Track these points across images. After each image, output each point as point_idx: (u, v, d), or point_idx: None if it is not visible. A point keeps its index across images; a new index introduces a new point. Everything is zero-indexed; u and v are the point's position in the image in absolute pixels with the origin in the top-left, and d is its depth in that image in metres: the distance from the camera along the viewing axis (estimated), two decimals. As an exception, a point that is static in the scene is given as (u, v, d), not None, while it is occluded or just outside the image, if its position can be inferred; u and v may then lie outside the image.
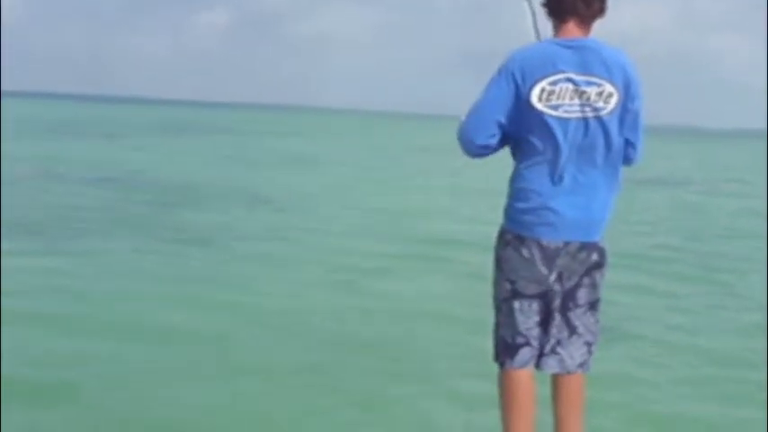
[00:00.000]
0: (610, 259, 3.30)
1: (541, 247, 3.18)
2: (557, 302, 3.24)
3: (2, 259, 7.83)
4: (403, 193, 17.35)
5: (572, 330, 3.27)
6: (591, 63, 3.14)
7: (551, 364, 3.29)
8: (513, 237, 3.23)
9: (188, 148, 30.58)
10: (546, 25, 3.35)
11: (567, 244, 3.18)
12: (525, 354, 3.27)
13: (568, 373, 3.30)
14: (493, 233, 3.35)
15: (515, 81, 3.14)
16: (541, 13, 3.33)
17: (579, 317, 3.27)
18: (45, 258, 8.63)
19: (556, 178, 3.16)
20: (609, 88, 3.14)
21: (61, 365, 5.22)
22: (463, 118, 3.25)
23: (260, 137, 41.78)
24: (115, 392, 4.80)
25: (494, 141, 3.24)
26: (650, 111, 3.37)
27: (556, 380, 3.33)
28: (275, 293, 7.49)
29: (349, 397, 4.83)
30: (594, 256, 3.24)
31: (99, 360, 5.35)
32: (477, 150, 3.28)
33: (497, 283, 3.31)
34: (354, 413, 4.61)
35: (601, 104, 3.15)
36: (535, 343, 3.27)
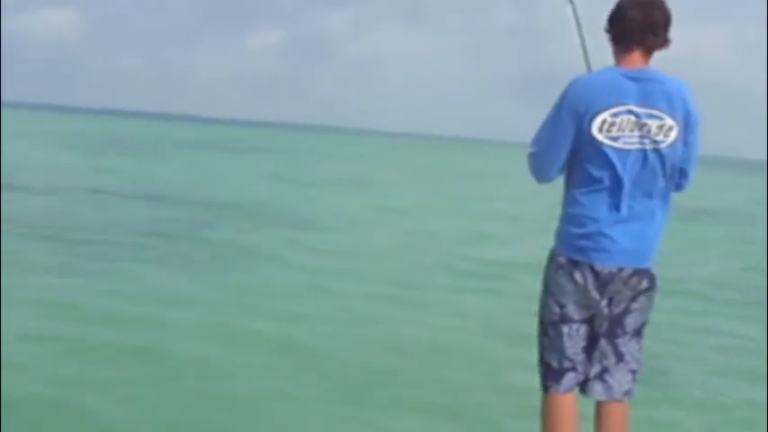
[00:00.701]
0: (659, 284, 3.32)
1: (595, 273, 3.20)
2: (604, 327, 3.25)
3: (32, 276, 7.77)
4: (447, 217, 17.26)
5: (619, 358, 3.28)
6: (653, 96, 3.16)
7: (598, 391, 3.29)
8: (566, 261, 3.24)
9: (236, 166, 30.80)
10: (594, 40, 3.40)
11: (620, 270, 3.21)
12: (571, 379, 3.28)
13: (614, 400, 3.29)
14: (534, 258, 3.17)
15: (577, 110, 3.17)
16: (598, 35, 3.37)
17: (626, 344, 3.28)
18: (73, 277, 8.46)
19: (612, 206, 3.19)
20: (669, 122, 3.17)
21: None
22: (530, 149, 3.31)
23: (308, 157, 42.10)
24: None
25: (563, 171, 3.32)
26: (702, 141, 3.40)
27: (600, 407, 3.32)
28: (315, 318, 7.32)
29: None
30: (645, 282, 3.26)
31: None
32: (548, 181, 3.37)
33: (546, 307, 3.31)
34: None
35: (660, 137, 3.18)
36: (580, 368, 3.28)
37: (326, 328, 6.89)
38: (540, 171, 3.32)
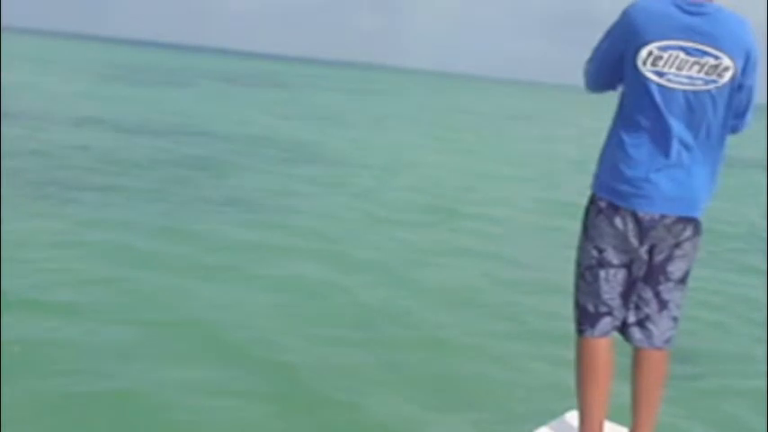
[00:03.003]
0: (704, 233, 3.18)
1: (636, 219, 3.09)
2: (642, 272, 3.17)
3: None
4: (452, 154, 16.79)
5: (662, 305, 3.22)
6: (711, 32, 2.97)
7: (638, 338, 3.23)
8: (606, 205, 3.12)
9: (256, 100, 30.15)
10: None
11: (663, 217, 3.09)
12: (607, 323, 3.22)
13: (654, 347, 3.24)
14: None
15: (626, 38, 3.02)
16: None
17: (670, 291, 3.20)
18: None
19: (656, 149, 3.04)
20: (726, 62, 2.97)
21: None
22: (588, 57, 3.23)
23: (329, 93, 41.63)
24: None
25: (613, 85, 3.18)
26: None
27: (639, 353, 3.25)
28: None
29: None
30: (689, 230, 3.13)
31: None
32: (599, 91, 3.27)
33: (583, 250, 3.24)
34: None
35: (714, 77, 2.98)
36: (617, 313, 3.21)
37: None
38: (589, 83, 3.28)
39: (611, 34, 3.10)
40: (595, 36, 3.19)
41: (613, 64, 3.08)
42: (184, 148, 14.12)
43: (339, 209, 9.92)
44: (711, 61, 2.96)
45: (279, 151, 14.99)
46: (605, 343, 3.22)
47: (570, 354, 3.25)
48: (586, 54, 3.28)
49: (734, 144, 3.45)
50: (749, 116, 3.17)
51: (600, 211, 3.14)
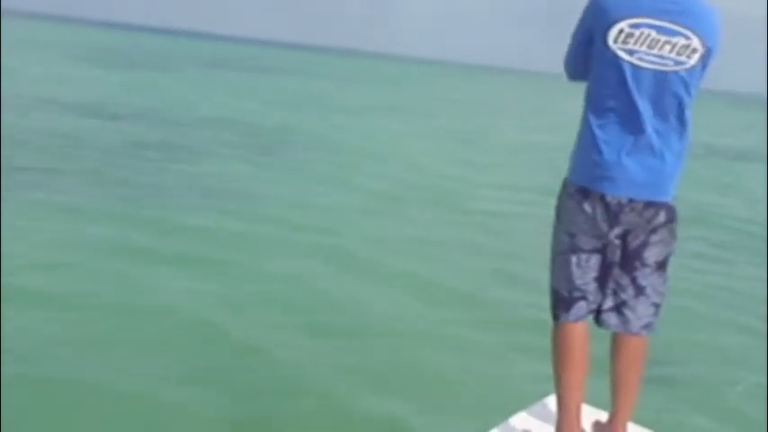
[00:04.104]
0: (680, 216, 3.14)
1: (605, 203, 3.06)
2: (617, 257, 3.13)
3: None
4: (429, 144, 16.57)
5: (639, 291, 3.18)
6: (683, 12, 2.93)
7: (614, 323, 3.21)
8: (576, 189, 3.11)
9: (240, 85, 29.82)
10: None
11: (631, 201, 3.04)
12: (581, 308, 3.20)
13: (631, 333, 3.22)
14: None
15: (597, 15, 2.99)
16: None
17: (647, 276, 3.16)
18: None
19: (625, 133, 3.01)
20: (696, 43, 2.93)
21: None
22: (566, 50, 3.21)
23: (316, 79, 41.34)
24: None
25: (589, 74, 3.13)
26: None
27: (617, 338, 3.25)
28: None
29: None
30: (662, 215, 3.09)
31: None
32: (579, 79, 3.20)
33: (556, 235, 3.22)
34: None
35: (684, 58, 2.94)
36: (591, 297, 3.19)
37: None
38: (567, 72, 3.24)
39: (583, 19, 3.05)
40: None
41: (587, 48, 3.03)
42: (156, 133, 13.86)
43: (312, 195, 9.72)
44: (682, 41, 2.92)
45: (255, 138, 14.77)
46: (581, 327, 3.19)
47: (547, 341, 3.24)
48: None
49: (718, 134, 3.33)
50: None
51: (570, 195, 3.12)
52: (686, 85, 2.97)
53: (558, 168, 3.63)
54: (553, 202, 3.21)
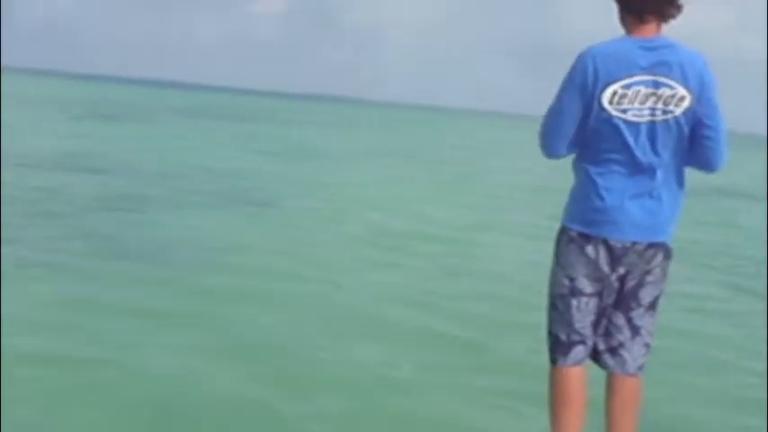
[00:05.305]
0: (675, 256, 3.25)
1: (608, 247, 3.15)
2: (611, 299, 3.21)
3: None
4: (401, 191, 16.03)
5: (635, 332, 3.25)
6: (667, 65, 3.10)
7: (611, 365, 3.26)
8: (577, 234, 3.19)
9: (213, 135, 28.86)
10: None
11: (634, 244, 3.15)
12: (579, 352, 3.25)
13: (628, 374, 3.25)
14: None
15: (588, 81, 3.10)
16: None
17: (641, 317, 3.24)
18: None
19: (625, 180, 3.13)
20: (682, 91, 3.10)
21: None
22: (543, 120, 3.25)
23: (295, 126, 41.10)
24: None
25: (572, 147, 3.23)
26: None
27: (612, 380, 3.28)
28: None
29: None
30: (660, 256, 3.20)
31: None
32: (557, 155, 3.26)
33: (555, 279, 3.27)
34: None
35: (672, 107, 3.10)
36: (589, 342, 3.25)
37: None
38: (549, 145, 3.25)
39: (569, 84, 3.14)
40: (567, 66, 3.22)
41: (577, 113, 3.13)
42: (136, 186, 13.29)
43: (301, 244, 9.27)
44: (668, 92, 3.09)
45: (240, 187, 14.23)
46: (578, 371, 3.25)
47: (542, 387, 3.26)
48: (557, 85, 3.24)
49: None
50: (724, 148, 3.18)
51: (571, 240, 3.21)
52: (678, 132, 3.12)
53: (555, 208, 3.57)
54: (550, 244, 3.28)
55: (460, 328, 6.21)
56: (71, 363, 4.82)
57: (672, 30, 3.24)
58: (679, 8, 3.19)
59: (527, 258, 8.99)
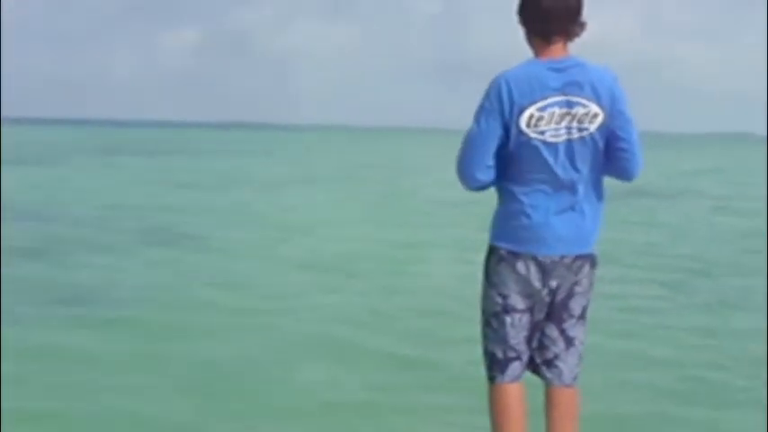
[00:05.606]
0: (600, 264, 3.37)
1: (537, 263, 3.25)
2: (543, 314, 3.31)
3: None
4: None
5: (569, 343, 3.34)
6: (578, 85, 3.19)
7: (549, 377, 3.35)
8: (506, 252, 3.28)
9: (134, 171, 28.39)
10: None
11: (562, 257, 3.26)
12: (516, 368, 3.32)
13: (565, 385, 3.34)
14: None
15: (503, 107, 3.18)
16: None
17: (574, 327, 3.34)
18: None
19: (549, 198, 3.23)
20: (595, 109, 3.20)
21: None
22: (459, 151, 3.30)
23: (213, 157, 40.64)
24: None
25: (492, 174, 3.29)
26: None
27: (551, 392, 3.36)
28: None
29: None
30: (587, 266, 3.32)
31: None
32: (478, 186, 3.33)
33: (487, 298, 3.34)
34: None
35: (586, 124, 3.21)
36: (524, 357, 3.33)
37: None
38: (467, 174, 3.30)
39: (486, 109, 3.21)
40: (487, 80, 3.26)
41: (496, 136, 3.20)
42: (59, 229, 12.97)
43: (238, 275, 9.19)
44: (581, 110, 3.18)
45: (167, 222, 14.03)
46: (516, 388, 3.32)
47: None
48: (477, 98, 3.27)
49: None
50: (640, 157, 3.31)
51: (501, 258, 3.29)
52: (594, 147, 3.23)
53: (482, 220, 3.69)
54: (482, 255, 3.34)
55: (406, 345, 6.31)
56: (13, 413, 4.65)
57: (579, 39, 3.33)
58: (582, 26, 3.28)
59: (461, 271, 9.15)
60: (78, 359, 5.83)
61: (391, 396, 5.11)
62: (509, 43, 3.55)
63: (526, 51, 3.35)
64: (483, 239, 3.47)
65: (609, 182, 3.43)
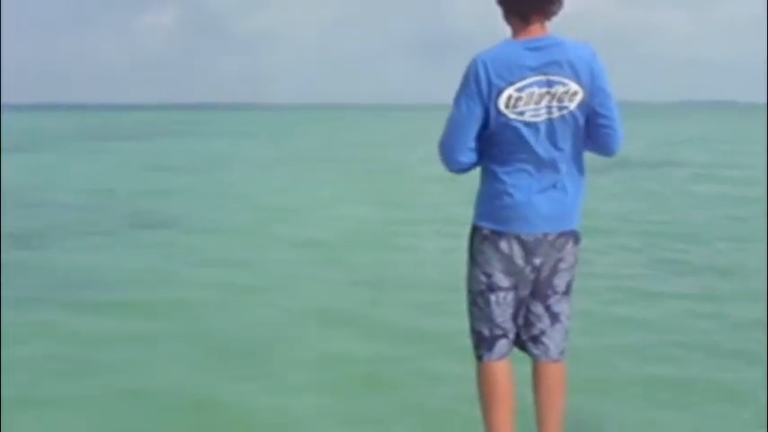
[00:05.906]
0: (583, 240, 3.42)
1: (521, 241, 3.28)
2: (527, 291, 3.35)
3: None
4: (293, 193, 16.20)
5: (555, 318, 3.39)
6: (557, 64, 3.19)
7: (536, 353, 3.40)
8: (490, 232, 3.31)
9: (120, 156, 28.24)
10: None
11: (545, 235, 3.29)
12: (503, 346, 3.38)
13: (552, 361, 3.40)
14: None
15: (482, 89, 3.19)
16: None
17: (559, 303, 3.38)
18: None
19: (531, 177, 3.26)
20: (574, 87, 3.22)
21: None
22: (442, 134, 3.34)
23: (195, 138, 40.32)
24: None
25: (474, 156, 3.33)
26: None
27: (538, 367, 3.42)
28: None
29: None
30: (570, 242, 3.36)
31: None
32: (460, 168, 3.38)
33: (472, 277, 3.38)
34: None
35: (566, 103, 3.22)
36: (511, 335, 3.38)
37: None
38: (449, 158, 3.33)
39: (466, 91, 3.22)
40: (470, 57, 3.25)
41: (477, 118, 3.21)
42: (52, 215, 12.90)
43: (236, 252, 9.27)
44: (561, 89, 3.20)
45: (159, 205, 14.01)
46: (504, 365, 3.37)
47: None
48: (460, 72, 3.28)
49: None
50: (620, 132, 3.34)
51: (485, 238, 3.32)
52: (575, 125, 3.25)
53: (468, 195, 3.70)
54: (467, 229, 3.37)
55: (409, 317, 6.40)
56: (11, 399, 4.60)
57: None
58: (560, 4, 3.27)
59: (452, 245, 9.22)
60: (76, 340, 5.86)
61: (396, 366, 5.21)
62: (492, 20, 3.49)
63: (508, 29, 3.34)
64: (466, 214, 3.48)
65: (589, 155, 3.46)
